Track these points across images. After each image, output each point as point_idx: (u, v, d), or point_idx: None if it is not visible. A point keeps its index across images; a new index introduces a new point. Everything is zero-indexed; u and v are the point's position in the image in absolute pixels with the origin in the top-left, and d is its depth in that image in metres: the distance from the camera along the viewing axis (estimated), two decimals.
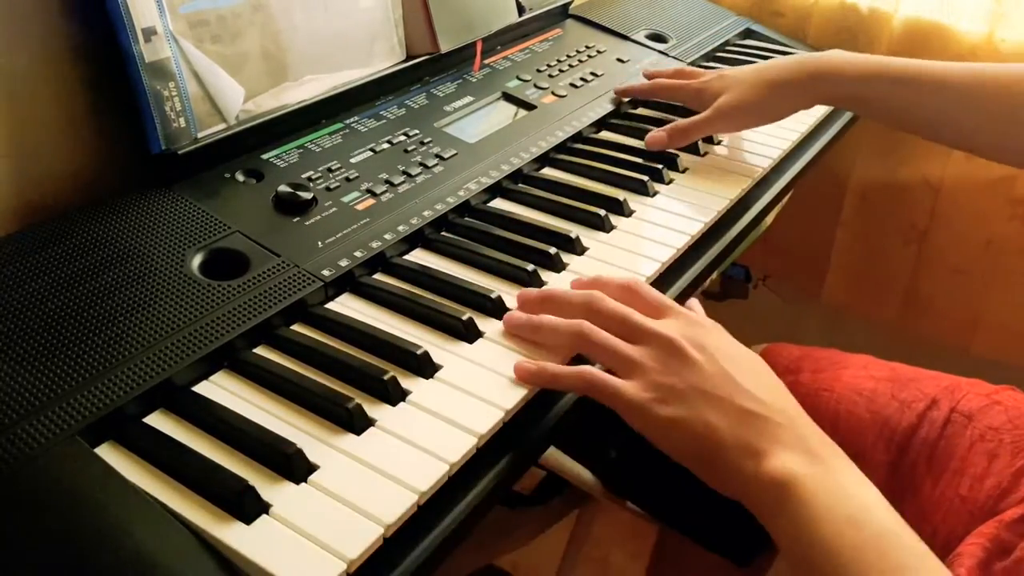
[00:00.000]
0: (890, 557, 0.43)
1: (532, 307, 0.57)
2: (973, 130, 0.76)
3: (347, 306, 0.59)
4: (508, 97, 0.86)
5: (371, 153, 0.73)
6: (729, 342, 0.53)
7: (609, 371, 0.52)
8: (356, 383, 0.52)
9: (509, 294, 0.60)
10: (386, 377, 0.51)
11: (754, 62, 1.03)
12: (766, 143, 0.86)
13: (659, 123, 0.87)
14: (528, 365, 0.52)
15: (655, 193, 0.76)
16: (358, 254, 0.62)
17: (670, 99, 0.88)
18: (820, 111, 0.95)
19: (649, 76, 0.92)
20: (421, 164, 0.73)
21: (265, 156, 0.70)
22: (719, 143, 0.86)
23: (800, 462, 0.46)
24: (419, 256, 0.65)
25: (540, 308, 0.57)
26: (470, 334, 0.57)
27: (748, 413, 0.48)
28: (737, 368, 0.50)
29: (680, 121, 0.81)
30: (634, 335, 0.53)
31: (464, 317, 0.57)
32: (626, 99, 0.91)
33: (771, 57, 1.05)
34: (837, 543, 0.44)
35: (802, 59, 0.81)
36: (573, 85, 0.90)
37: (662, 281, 0.66)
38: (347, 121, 0.76)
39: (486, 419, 0.50)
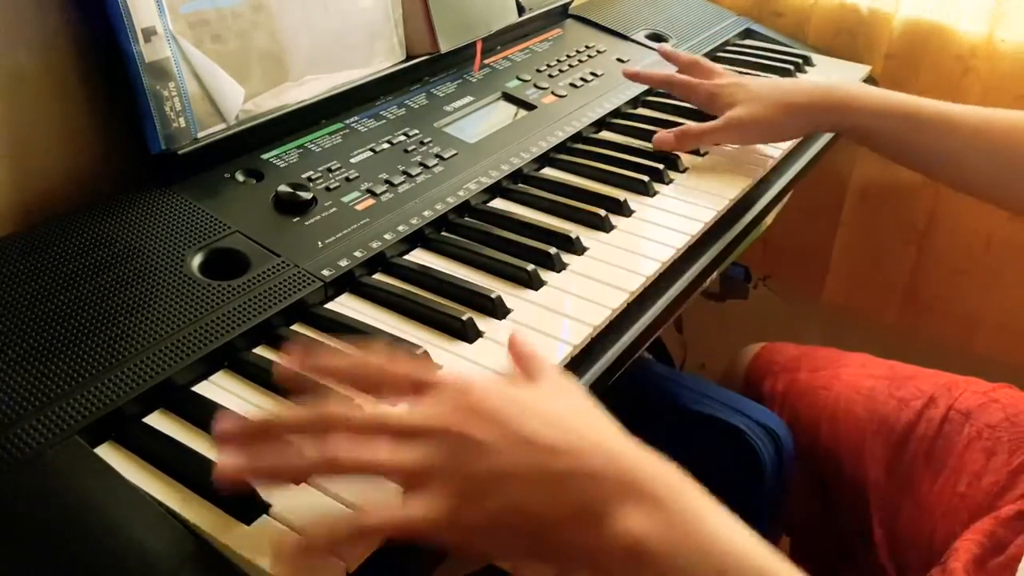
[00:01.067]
0: None
1: (243, 446, 0.42)
2: (976, 174, 0.76)
3: (347, 306, 0.59)
4: (508, 97, 0.86)
5: (371, 153, 0.73)
6: (514, 395, 0.43)
7: None
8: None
9: (509, 294, 0.60)
10: None
11: (754, 62, 1.04)
12: (766, 143, 0.86)
13: (659, 124, 0.87)
14: (285, 547, 0.40)
15: (655, 193, 0.76)
16: (358, 254, 0.62)
17: (682, 96, 0.87)
18: None
19: (665, 56, 0.90)
20: (421, 164, 0.72)
21: (265, 156, 0.70)
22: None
23: (643, 520, 0.39)
24: (419, 256, 0.65)
25: (260, 446, 0.42)
26: (470, 334, 0.57)
27: (564, 476, 0.39)
28: (535, 423, 0.41)
29: (691, 126, 0.81)
30: (403, 435, 0.41)
31: (464, 317, 0.57)
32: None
33: (771, 57, 1.05)
34: None
35: (819, 86, 0.81)
36: (573, 85, 0.90)
37: (662, 281, 0.66)
38: (347, 121, 0.76)
39: None
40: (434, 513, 0.39)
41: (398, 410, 0.42)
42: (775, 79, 0.85)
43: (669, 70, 0.89)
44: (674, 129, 0.81)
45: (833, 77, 1.04)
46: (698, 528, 0.39)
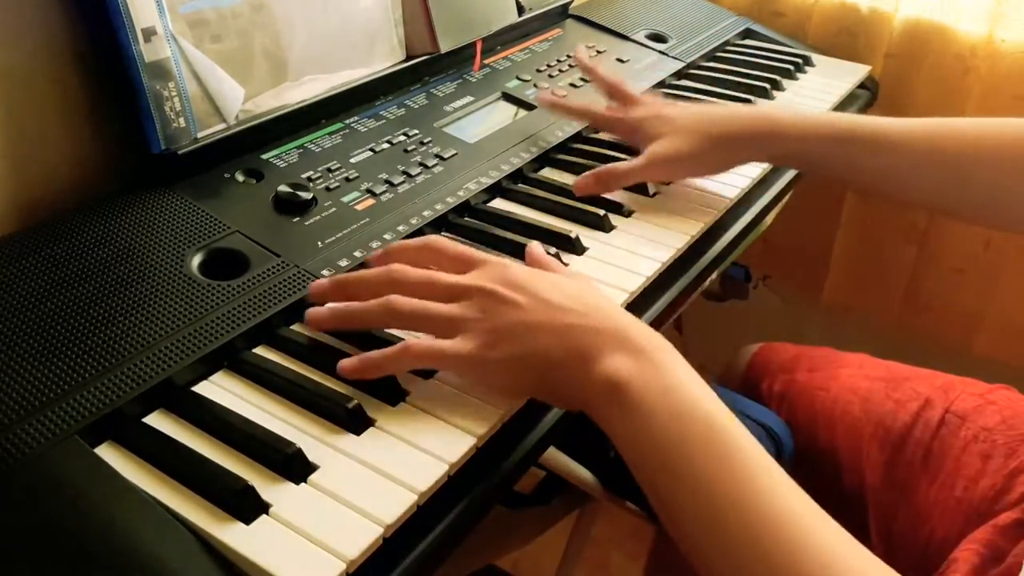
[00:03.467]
0: (715, 445, 0.45)
1: (331, 297, 0.55)
2: (919, 192, 0.72)
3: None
4: (508, 97, 0.86)
5: (371, 153, 0.73)
6: (541, 274, 0.54)
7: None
8: (356, 383, 0.52)
9: None
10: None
11: (754, 62, 1.04)
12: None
13: None
14: (350, 362, 0.51)
15: (655, 193, 0.76)
16: (358, 254, 0.62)
17: (602, 129, 0.83)
18: (819, 111, 0.95)
19: (583, 68, 0.85)
20: (421, 164, 0.73)
21: (265, 156, 0.70)
22: None
23: (626, 363, 0.47)
24: None
25: (341, 296, 0.55)
26: None
27: (571, 328, 0.49)
28: (555, 293, 0.51)
29: (611, 167, 0.74)
30: (447, 294, 0.52)
31: None
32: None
33: (771, 57, 1.05)
34: (664, 438, 0.45)
35: (743, 114, 0.76)
36: (573, 85, 0.90)
37: (662, 281, 0.66)
38: (347, 121, 0.77)
39: (486, 419, 0.50)
40: (466, 350, 0.49)
41: (447, 274, 0.53)
42: (700, 107, 0.79)
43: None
44: (593, 172, 0.74)
45: (833, 77, 1.04)
46: (666, 376, 0.47)
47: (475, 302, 0.51)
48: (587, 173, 0.74)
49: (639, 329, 0.50)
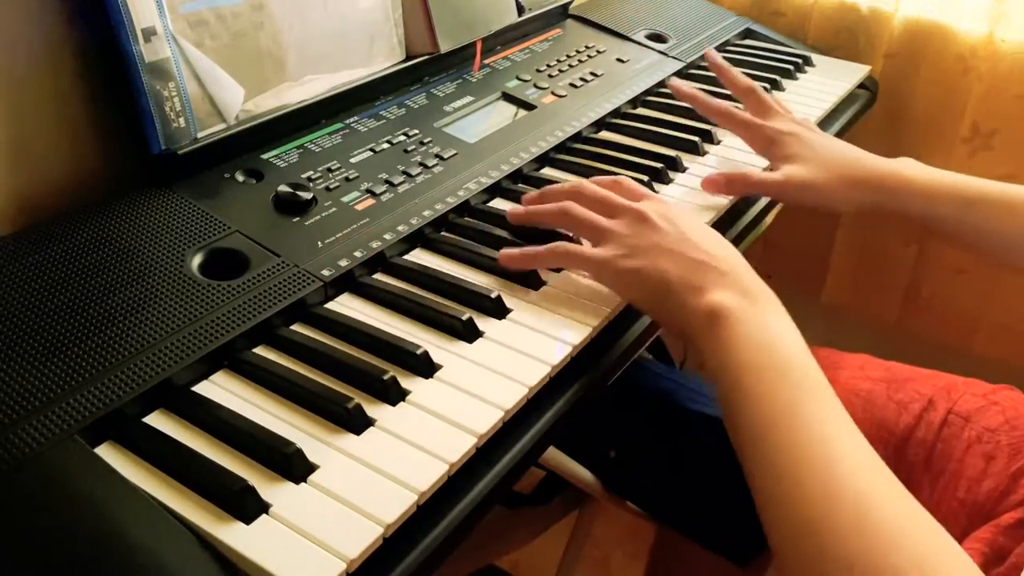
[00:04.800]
0: (790, 378, 0.50)
1: (531, 202, 0.66)
2: None
3: (347, 306, 0.59)
4: (508, 97, 0.86)
5: (371, 153, 0.73)
6: (694, 219, 0.61)
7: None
8: (356, 383, 0.52)
9: (509, 294, 0.60)
10: (386, 377, 0.51)
11: (754, 62, 1.04)
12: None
13: (659, 123, 0.87)
14: (511, 251, 0.61)
15: (655, 193, 0.76)
16: (358, 254, 0.62)
17: (735, 132, 0.81)
18: (819, 111, 0.95)
19: (718, 70, 0.84)
20: (421, 164, 0.73)
21: (265, 156, 0.70)
22: (719, 143, 0.86)
23: (733, 299, 0.54)
24: (419, 256, 0.65)
25: (538, 200, 0.66)
26: (470, 334, 0.57)
27: (697, 262, 0.56)
28: (696, 234, 0.58)
29: (748, 173, 0.76)
30: (612, 212, 0.61)
31: (464, 317, 0.57)
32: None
33: (771, 57, 1.05)
34: (749, 364, 0.51)
35: (880, 165, 0.76)
36: (573, 85, 0.90)
37: None
38: (347, 121, 0.77)
39: (486, 419, 0.50)
40: (604, 256, 0.59)
41: (620, 197, 0.62)
42: (840, 144, 0.78)
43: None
44: (726, 173, 0.75)
45: (833, 77, 1.04)
46: (765, 316, 0.53)
47: (629, 221, 0.60)
48: (719, 172, 0.75)
49: (754, 278, 0.56)
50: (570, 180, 0.75)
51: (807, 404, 0.48)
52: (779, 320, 0.54)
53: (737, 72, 0.84)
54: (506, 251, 0.61)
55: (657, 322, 0.61)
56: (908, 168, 0.76)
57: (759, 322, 0.52)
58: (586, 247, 0.60)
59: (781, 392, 0.49)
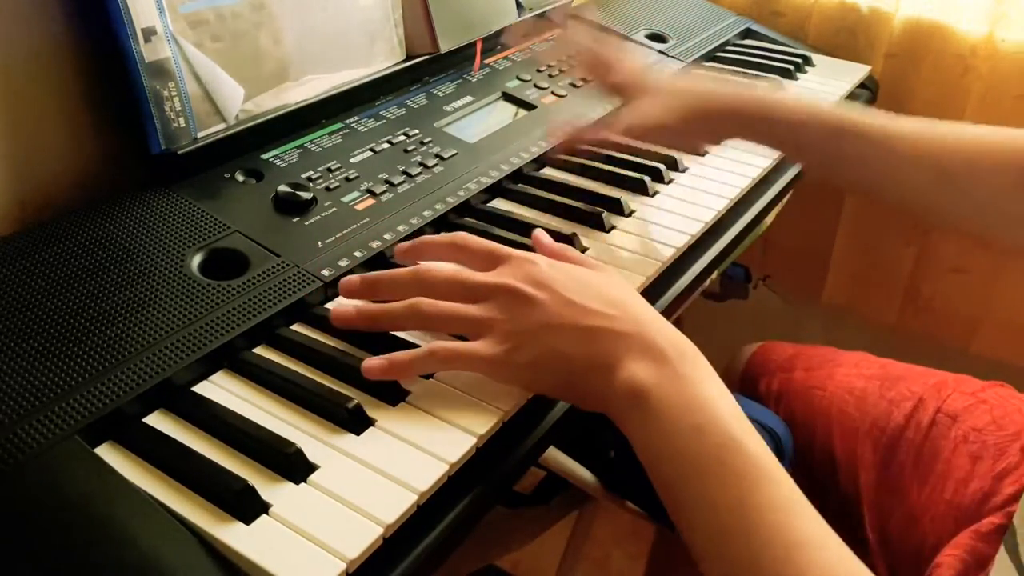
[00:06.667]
0: (729, 465, 0.44)
1: (361, 296, 0.56)
2: (914, 192, 0.66)
3: (347, 306, 0.59)
4: (508, 97, 0.86)
5: (371, 153, 0.73)
6: (568, 270, 0.53)
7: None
8: (356, 383, 0.52)
9: None
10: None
11: (754, 62, 1.04)
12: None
13: None
14: (376, 362, 0.50)
15: (655, 193, 0.76)
16: (358, 254, 0.62)
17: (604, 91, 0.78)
18: None
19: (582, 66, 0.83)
20: (421, 164, 0.72)
21: (265, 156, 0.70)
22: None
23: (648, 371, 0.47)
24: None
25: (370, 295, 0.55)
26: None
27: (594, 331, 0.49)
28: (580, 292, 0.50)
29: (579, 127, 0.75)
30: (473, 294, 0.52)
31: None
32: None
33: (771, 57, 1.05)
34: (681, 452, 0.45)
35: (737, 93, 0.71)
36: (573, 85, 0.90)
37: (663, 280, 0.66)
38: (347, 121, 0.76)
39: (486, 419, 0.50)
40: (491, 353, 0.49)
41: (473, 272, 0.53)
42: (690, 76, 0.75)
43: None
44: (570, 131, 0.75)
45: (833, 77, 1.04)
46: (690, 388, 0.47)
47: (500, 302, 0.51)
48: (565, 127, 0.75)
49: (665, 332, 0.49)
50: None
51: (757, 499, 0.43)
52: (703, 386, 0.47)
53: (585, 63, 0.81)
54: (371, 362, 0.50)
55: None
56: (771, 95, 0.71)
57: (685, 397, 0.46)
58: (465, 344, 0.51)
59: (729, 488, 0.44)
